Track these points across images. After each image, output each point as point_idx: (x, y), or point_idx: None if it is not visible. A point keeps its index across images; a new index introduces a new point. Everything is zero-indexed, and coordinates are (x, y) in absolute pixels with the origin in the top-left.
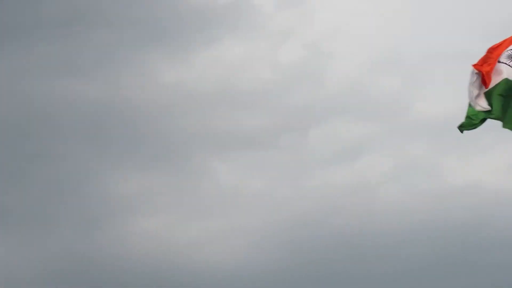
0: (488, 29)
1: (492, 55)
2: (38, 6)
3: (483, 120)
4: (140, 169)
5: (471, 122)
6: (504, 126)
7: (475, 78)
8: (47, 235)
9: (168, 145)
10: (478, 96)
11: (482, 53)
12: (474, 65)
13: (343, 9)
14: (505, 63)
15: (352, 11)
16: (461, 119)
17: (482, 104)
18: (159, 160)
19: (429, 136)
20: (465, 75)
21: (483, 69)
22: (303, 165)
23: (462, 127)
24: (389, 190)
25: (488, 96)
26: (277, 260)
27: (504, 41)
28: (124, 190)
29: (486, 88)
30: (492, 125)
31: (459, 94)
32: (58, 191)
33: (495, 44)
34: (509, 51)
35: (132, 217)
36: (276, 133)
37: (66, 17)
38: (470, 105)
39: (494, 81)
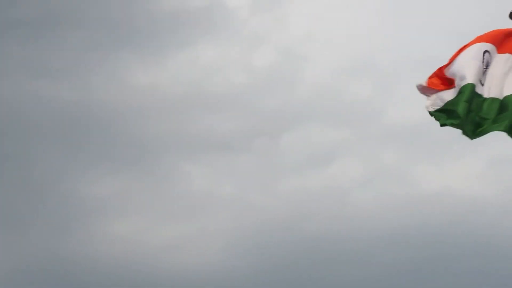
0: (458, 34)
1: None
2: (10, 8)
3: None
4: (113, 172)
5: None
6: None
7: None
8: (19, 236)
9: (141, 148)
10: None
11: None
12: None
13: (317, 15)
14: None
15: (325, 16)
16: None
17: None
18: (132, 163)
19: (401, 142)
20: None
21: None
22: (275, 170)
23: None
24: (360, 196)
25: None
26: (248, 264)
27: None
28: (96, 192)
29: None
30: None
31: None
32: (31, 193)
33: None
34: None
35: (105, 220)
36: (248, 137)
37: (38, 18)
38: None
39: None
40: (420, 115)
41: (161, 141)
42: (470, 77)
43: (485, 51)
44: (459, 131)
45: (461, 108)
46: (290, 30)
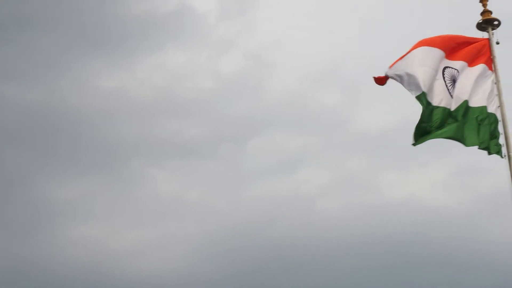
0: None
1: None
2: None
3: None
4: (79, 175)
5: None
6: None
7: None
8: None
9: (107, 152)
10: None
11: None
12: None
13: (285, 22)
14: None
15: (293, 24)
16: (399, 134)
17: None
18: (98, 167)
19: (367, 150)
20: (404, 91)
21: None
22: (241, 176)
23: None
24: (326, 203)
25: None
26: (213, 269)
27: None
28: (63, 196)
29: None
30: (430, 142)
31: (398, 109)
32: None
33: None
34: (450, 68)
35: (70, 223)
36: (215, 142)
37: (7, 21)
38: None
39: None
40: (386, 123)
41: (128, 145)
42: (423, 86)
43: (444, 65)
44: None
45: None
46: (258, 36)
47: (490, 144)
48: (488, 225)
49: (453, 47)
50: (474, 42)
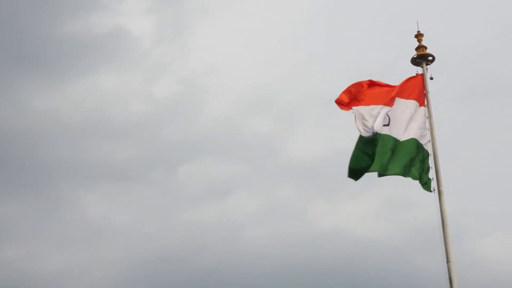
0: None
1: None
2: None
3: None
4: (8, 195)
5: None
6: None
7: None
8: None
9: (36, 173)
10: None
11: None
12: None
13: (220, 49)
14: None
15: (228, 51)
16: (330, 164)
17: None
18: (28, 187)
19: (298, 179)
20: (335, 120)
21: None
22: (172, 201)
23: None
24: (254, 231)
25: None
26: None
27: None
28: None
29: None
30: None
31: (329, 138)
32: None
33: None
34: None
35: None
36: (146, 167)
37: None
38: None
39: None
40: (319, 153)
41: (58, 167)
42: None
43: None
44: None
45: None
46: (192, 62)
47: (422, 178)
48: (416, 258)
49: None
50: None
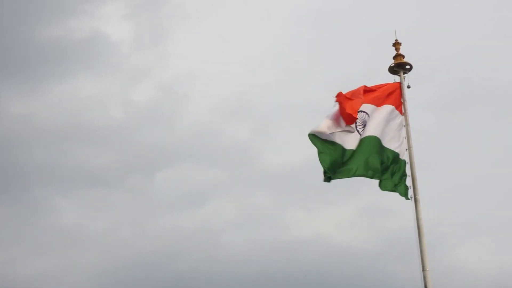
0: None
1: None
2: None
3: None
4: None
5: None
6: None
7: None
8: None
9: (11, 178)
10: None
11: (329, 106)
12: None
13: (199, 55)
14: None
15: (207, 57)
16: (307, 172)
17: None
18: (1, 192)
19: (276, 186)
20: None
21: (347, 105)
22: (148, 207)
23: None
24: (232, 238)
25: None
26: None
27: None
28: None
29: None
30: (338, 180)
31: (307, 146)
32: None
33: (370, 88)
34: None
35: None
36: (123, 172)
37: None
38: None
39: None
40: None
41: (34, 172)
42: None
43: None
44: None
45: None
46: (171, 68)
47: (398, 186)
48: (392, 266)
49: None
50: (386, 86)
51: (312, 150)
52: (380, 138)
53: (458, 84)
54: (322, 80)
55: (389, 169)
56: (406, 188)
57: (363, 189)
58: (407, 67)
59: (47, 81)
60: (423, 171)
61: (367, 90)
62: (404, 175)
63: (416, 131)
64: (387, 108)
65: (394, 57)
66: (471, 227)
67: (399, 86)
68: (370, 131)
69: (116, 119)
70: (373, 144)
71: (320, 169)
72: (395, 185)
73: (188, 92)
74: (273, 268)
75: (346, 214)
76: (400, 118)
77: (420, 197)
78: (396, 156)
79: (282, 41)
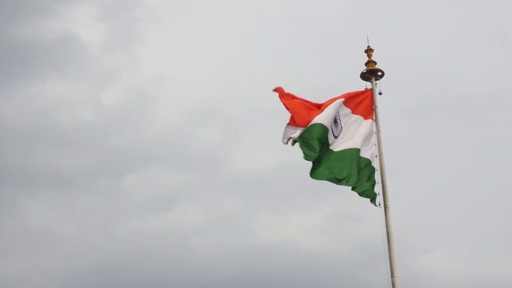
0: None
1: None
2: None
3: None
4: None
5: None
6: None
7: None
8: None
9: None
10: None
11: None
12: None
13: (170, 59)
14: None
15: (178, 61)
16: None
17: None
18: None
19: (244, 191)
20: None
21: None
22: (116, 210)
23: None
24: (200, 242)
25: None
26: None
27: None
28: None
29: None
30: (308, 186)
31: (276, 151)
32: None
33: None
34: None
35: None
36: (92, 175)
37: None
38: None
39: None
40: (266, 165)
41: (2, 173)
42: (322, 119)
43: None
44: (304, 184)
45: (314, 144)
46: (142, 71)
47: (367, 192)
48: (360, 272)
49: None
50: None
51: (282, 155)
52: (360, 148)
53: (429, 91)
54: (293, 86)
55: (363, 175)
56: (375, 194)
57: (333, 194)
58: (379, 73)
59: (16, 81)
60: (393, 178)
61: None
62: (373, 181)
63: (387, 137)
64: (361, 118)
65: (366, 64)
66: (438, 234)
67: (370, 93)
68: (350, 143)
69: (86, 121)
70: (353, 157)
71: (290, 174)
72: (364, 192)
73: (158, 95)
74: (241, 273)
75: (315, 219)
76: (372, 124)
77: (389, 203)
78: (368, 163)
79: (252, 46)
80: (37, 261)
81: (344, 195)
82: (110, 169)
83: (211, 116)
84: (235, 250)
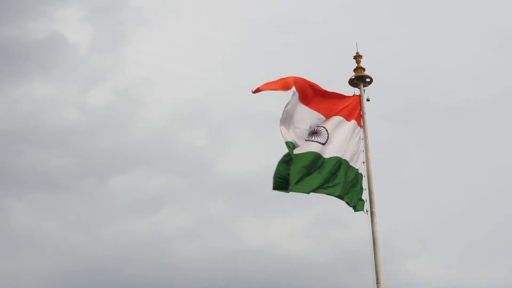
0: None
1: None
2: None
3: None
4: None
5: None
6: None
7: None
8: None
9: None
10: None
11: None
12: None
13: (157, 61)
14: (311, 140)
15: (165, 63)
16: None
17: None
18: None
19: (230, 194)
20: (269, 137)
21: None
22: (101, 212)
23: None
24: (184, 245)
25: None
26: None
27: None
28: None
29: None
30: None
31: (262, 155)
32: None
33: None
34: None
35: None
36: (77, 176)
37: None
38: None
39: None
40: (252, 169)
41: None
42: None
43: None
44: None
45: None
46: (128, 72)
47: (353, 199)
48: (345, 279)
49: (330, 107)
50: (347, 98)
51: (268, 159)
52: (349, 160)
53: (416, 98)
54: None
55: (352, 185)
56: (363, 201)
57: (318, 199)
58: (367, 80)
59: (2, 81)
60: (378, 184)
61: (320, 93)
62: (360, 187)
63: (372, 144)
64: (352, 124)
65: (355, 70)
66: (423, 241)
67: (358, 99)
68: (337, 151)
69: (72, 122)
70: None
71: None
72: (351, 200)
73: (144, 97)
74: (225, 277)
75: (301, 224)
76: (360, 131)
77: (376, 210)
78: (356, 171)
79: (240, 50)
80: (21, 262)
81: (329, 200)
82: (96, 171)
83: (198, 119)
84: (219, 254)
